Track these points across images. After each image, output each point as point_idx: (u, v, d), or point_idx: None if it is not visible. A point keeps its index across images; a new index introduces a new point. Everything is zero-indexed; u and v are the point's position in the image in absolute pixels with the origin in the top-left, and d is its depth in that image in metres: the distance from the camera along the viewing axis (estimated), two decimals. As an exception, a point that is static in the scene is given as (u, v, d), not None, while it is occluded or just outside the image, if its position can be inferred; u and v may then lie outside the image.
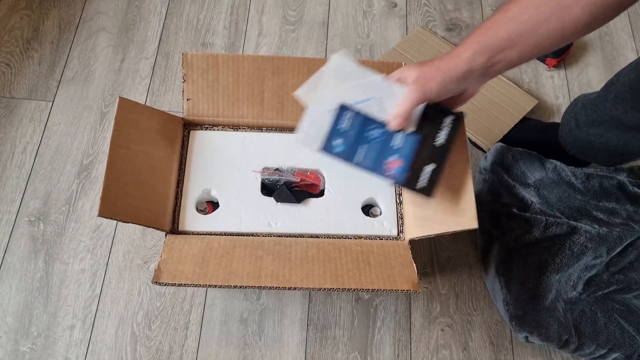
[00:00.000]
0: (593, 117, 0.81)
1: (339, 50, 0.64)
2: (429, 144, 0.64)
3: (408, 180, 0.63)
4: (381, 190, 0.77)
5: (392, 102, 0.61)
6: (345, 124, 0.64)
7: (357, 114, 0.65)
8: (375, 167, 0.63)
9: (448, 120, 0.65)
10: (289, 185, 0.76)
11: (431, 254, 0.89)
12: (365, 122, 0.64)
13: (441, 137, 0.65)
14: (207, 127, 0.79)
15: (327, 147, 0.64)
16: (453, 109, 0.63)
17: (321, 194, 0.77)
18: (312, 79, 0.66)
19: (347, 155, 0.64)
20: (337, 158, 0.64)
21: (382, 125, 0.64)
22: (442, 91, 0.56)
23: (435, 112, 0.64)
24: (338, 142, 0.64)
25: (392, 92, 0.60)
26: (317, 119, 0.65)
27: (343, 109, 0.65)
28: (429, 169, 0.63)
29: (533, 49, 0.52)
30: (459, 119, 0.65)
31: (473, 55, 0.53)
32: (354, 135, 0.64)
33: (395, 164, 0.63)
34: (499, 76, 1.02)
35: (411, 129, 0.63)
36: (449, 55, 0.55)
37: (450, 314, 0.85)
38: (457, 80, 0.55)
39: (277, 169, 0.77)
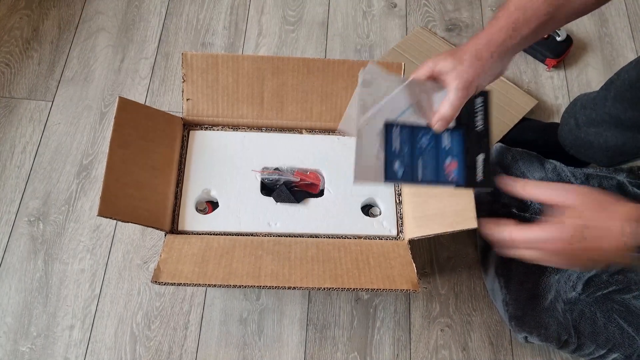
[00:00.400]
0: (592, 116, 0.81)
1: (366, 65, 0.58)
2: (473, 134, 0.61)
3: (468, 180, 0.59)
4: (381, 190, 0.77)
5: (431, 103, 0.57)
6: (396, 143, 0.59)
7: (403, 127, 0.60)
8: (438, 176, 0.59)
9: (479, 102, 0.62)
10: (288, 185, 0.76)
11: (431, 254, 0.89)
12: (413, 133, 0.60)
13: (479, 123, 0.61)
14: (206, 127, 0.80)
15: (390, 175, 0.58)
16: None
17: (321, 193, 0.77)
18: (350, 106, 0.61)
19: (411, 176, 0.59)
20: (403, 182, 0.60)
21: (427, 129, 0.60)
22: (486, 83, 0.53)
23: None
24: (397, 166, 0.59)
25: (427, 93, 0.57)
26: (366, 148, 0.59)
27: (388, 127, 0.59)
28: (480, 159, 0.60)
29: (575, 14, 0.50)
30: (487, 98, 0.62)
31: (513, 28, 0.50)
32: (408, 152, 0.59)
33: (452, 166, 0.59)
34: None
35: (452, 125, 0.59)
36: (487, 36, 0.51)
37: (450, 314, 0.85)
38: (501, 65, 0.52)
39: (276, 169, 0.77)
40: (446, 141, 0.60)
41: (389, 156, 0.58)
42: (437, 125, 0.55)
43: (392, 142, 0.59)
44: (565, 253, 0.44)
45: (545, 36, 1.05)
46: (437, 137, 0.60)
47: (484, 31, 0.52)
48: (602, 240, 0.42)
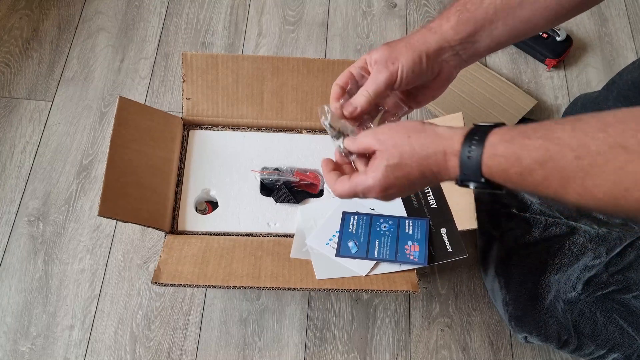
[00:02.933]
0: (593, 116, 0.81)
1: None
2: (430, 211, 0.70)
3: (432, 257, 0.67)
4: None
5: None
6: (353, 227, 0.69)
7: (360, 215, 0.70)
8: (397, 257, 0.66)
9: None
10: (288, 185, 0.76)
11: (431, 254, 0.89)
12: (372, 220, 0.69)
13: (432, 201, 0.70)
14: (206, 127, 0.79)
15: (343, 252, 0.67)
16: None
17: (320, 194, 0.77)
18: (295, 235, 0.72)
19: (366, 254, 0.67)
20: (357, 258, 0.67)
21: (387, 218, 0.69)
22: (414, 69, 0.46)
23: None
24: (352, 245, 0.68)
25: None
26: (321, 256, 0.68)
27: (346, 216, 0.70)
28: (444, 232, 0.68)
29: (523, 23, 0.45)
30: None
31: (454, 27, 0.45)
32: (365, 234, 0.68)
33: (413, 248, 0.67)
34: (498, 76, 1.03)
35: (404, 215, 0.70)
36: (423, 29, 0.47)
37: (450, 314, 0.85)
38: (431, 57, 0.46)
39: (276, 169, 0.77)
40: (409, 228, 0.68)
41: (344, 236, 0.68)
42: (347, 108, 0.48)
43: (349, 226, 0.69)
44: (386, 195, 0.44)
45: (545, 36, 1.05)
46: (398, 224, 0.69)
47: (424, 25, 0.48)
48: (411, 174, 0.42)
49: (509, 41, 0.47)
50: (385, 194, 0.44)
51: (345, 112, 0.48)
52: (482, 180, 0.38)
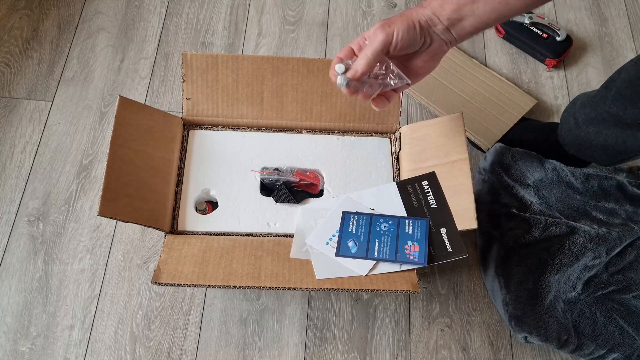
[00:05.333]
0: (592, 115, 0.81)
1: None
2: (430, 211, 0.70)
3: (432, 257, 0.66)
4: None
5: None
6: (353, 227, 0.69)
7: (361, 215, 0.70)
8: (397, 256, 0.66)
9: (425, 184, 0.71)
10: (288, 185, 0.76)
11: (430, 254, 0.89)
12: (372, 219, 0.70)
13: (432, 201, 0.70)
14: (206, 127, 0.79)
15: (343, 252, 0.67)
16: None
17: (320, 194, 0.77)
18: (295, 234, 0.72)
19: (366, 254, 0.67)
20: (356, 257, 0.67)
21: (387, 217, 0.70)
22: (408, 33, 0.52)
23: (413, 181, 0.72)
24: (351, 244, 0.68)
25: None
26: (321, 256, 0.68)
27: (346, 215, 0.70)
28: (443, 232, 0.68)
29: (502, 4, 0.50)
30: (433, 176, 0.71)
31: (441, 4, 0.51)
32: (365, 234, 0.68)
33: (413, 248, 0.67)
34: (498, 76, 1.03)
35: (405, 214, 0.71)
36: (416, 5, 0.53)
37: (450, 314, 0.85)
38: (423, 26, 0.52)
39: (276, 169, 0.77)
40: (409, 228, 0.68)
41: (344, 236, 0.68)
42: (350, 72, 0.54)
43: (349, 226, 0.69)
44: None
45: (545, 36, 1.05)
46: (398, 224, 0.69)
47: (417, 5, 0.54)
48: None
49: (491, 20, 0.52)
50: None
51: (349, 76, 0.53)
52: None
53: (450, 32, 0.53)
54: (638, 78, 0.70)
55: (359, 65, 0.53)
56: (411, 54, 0.56)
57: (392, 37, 0.51)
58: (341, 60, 0.54)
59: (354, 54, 0.55)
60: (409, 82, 0.57)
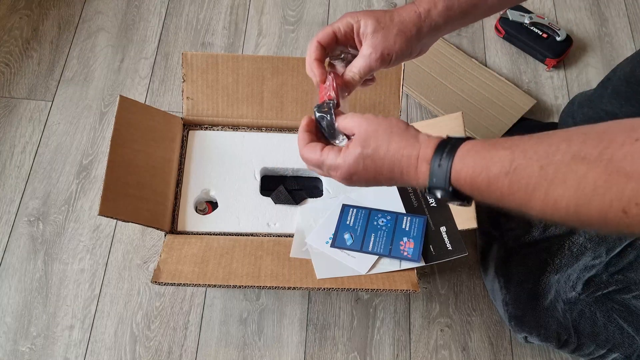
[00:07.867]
0: (590, 114, 0.81)
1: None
2: (429, 210, 0.70)
3: (432, 256, 0.67)
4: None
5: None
6: (350, 220, 0.70)
7: (359, 208, 0.71)
8: (391, 252, 0.67)
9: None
10: (287, 186, 0.76)
11: (430, 254, 0.89)
12: (370, 214, 0.70)
13: (431, 199, 0.71)
14: (206, 127, 0.79)
15: (339, 243, 0.68)
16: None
17: (320, 193, 0.77)
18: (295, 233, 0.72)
19: (361, 247, 0.67)
20: (351, 250, 0.67)
21: (386, 213, 0.70)
22: (403, 57, 0.49)
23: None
24: (347, 236, 0.68)
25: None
26: (321, 255, 0.68)
27: (345, 208, 0.71)
28: (443, 230, 0.68)
29: None
30: None
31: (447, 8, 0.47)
32: (361, 228, 0.69)
33: (408, 245, 0.67)
34: (498, 76, 1.03)
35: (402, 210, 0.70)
36: (410, 10, 0.48)
37: (450, 314, 0.85)
38: (420, 42, 0.49)
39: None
40: (406, 224, 0.69)
41: (341, 228, 0.69)
42: (350, 79, 0.49)
43: (347, 218, 0.70)
44: (349, 180, 0.45)
45: (545, 36, 1.05)
46: (396, 220, 0.69)
47: (415, 4, 0.49)
48: (381, 169, 0.43)
49: (472, 15, 0.49)
50: (349, 179, 0.45)
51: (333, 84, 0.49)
52: (450, 189, 0.38)
53: (439, 29, 0.49)
54: (633, 75, 0.70)
55: (349, 77, 0.49)
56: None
57: (387, 63, 0.48)
58: (321, 48, 0.49)
59: (336, 41, 0.49)
60: (373, 80, 0.55)
